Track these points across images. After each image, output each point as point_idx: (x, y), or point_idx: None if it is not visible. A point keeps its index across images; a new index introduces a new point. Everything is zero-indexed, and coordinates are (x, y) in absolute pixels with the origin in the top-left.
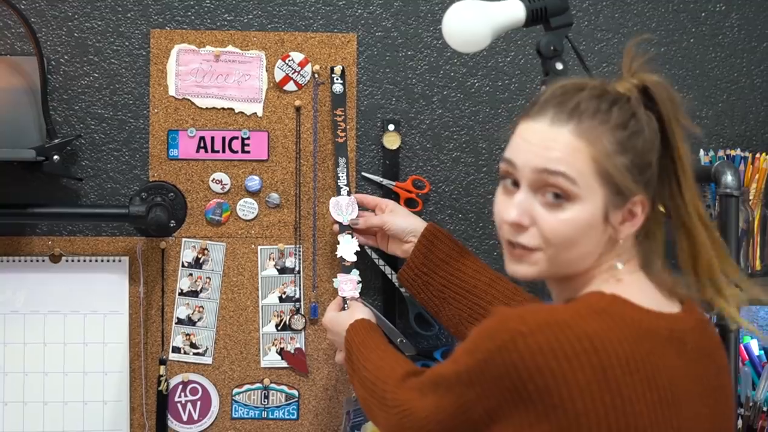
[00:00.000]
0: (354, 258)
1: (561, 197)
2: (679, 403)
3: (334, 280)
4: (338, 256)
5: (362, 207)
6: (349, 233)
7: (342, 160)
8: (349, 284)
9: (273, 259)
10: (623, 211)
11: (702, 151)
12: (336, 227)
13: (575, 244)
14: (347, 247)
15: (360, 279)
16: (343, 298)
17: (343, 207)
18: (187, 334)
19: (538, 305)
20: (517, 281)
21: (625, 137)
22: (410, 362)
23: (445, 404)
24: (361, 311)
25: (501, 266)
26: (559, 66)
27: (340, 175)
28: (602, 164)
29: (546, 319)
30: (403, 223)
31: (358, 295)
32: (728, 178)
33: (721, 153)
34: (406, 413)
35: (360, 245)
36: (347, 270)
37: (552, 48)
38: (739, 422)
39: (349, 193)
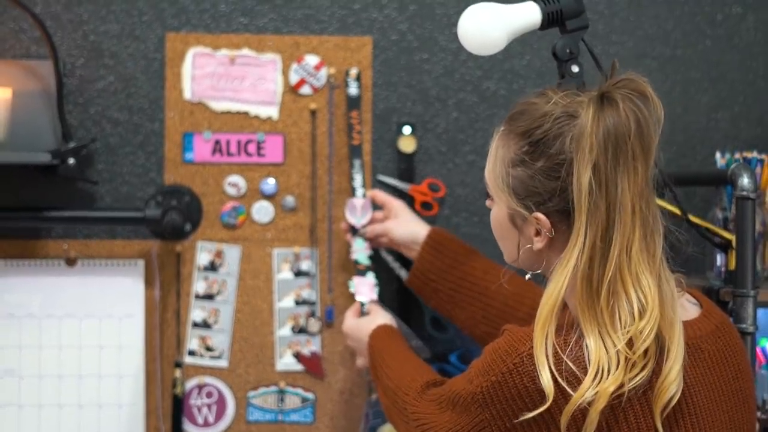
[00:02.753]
0: (368, 261)
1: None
2: (697, 413)
3: (349, 283)
4: (353, 259)
5: (375, 206)
6: (361, 235)
7: (357, 162)
8: (365, 288)
9: (289, 263)
10: (532, 223)
11: (718, 154)
12: (344, 225)
13: (499, 239)
14: (361, 250)
15: (377, 282)
16: (361, 302)
17: (358, 209)
18: (203, 337)
19: None
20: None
21: (524, 150)
22: (431, 370)
23: (462, 423)
24: (382, 317)
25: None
26: (575, 69)
27: (355, 176)
28: (504, 170)
29: (556, 340)
30: (404, 232)
31: (375, 298)
32: (744, 180)
33: (737, 155)
34: (425, 428)
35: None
36: (362, 273)
37: (568, 51)
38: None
39: (364, 195)
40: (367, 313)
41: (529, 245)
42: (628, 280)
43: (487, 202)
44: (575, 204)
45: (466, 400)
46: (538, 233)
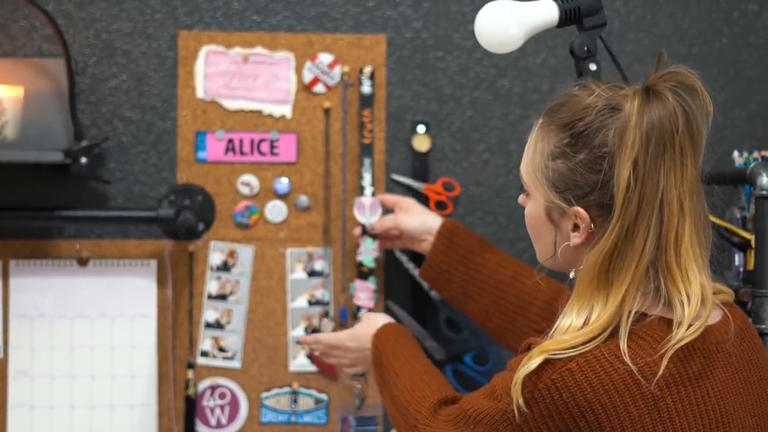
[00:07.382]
0: (373, 264)
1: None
2: (728, 420)
3: (350, 285)
4: (358, 261)
5: (384, 207)
6: (371, 237)
7: (367, 161)
8: (364, 293)
9: (302, 262)
10: (570, 218)
11: (736, 153)
12: (357, 231)
13: (534, 237)
14: (368, 251)
15: (376, 288)
16: (357, 306)
17: (366, 208)
18: (216, 338)
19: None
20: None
21: (564, 142)
22: (444, 382)
23: None
24: (381, 317)
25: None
26: (593, 67)
27: (364, 175)
28: (543, 162)
29: (593, 352)
30: (415, 222)
31: (373, 305)
32: (764, 179)
33: (756, 154)
34: None
35: (385, 249)
36: (364, 277)
37: (585, 48)
38: None
39: (373, 194)
40: (359, 320)
41: (566, 242)
42: (677, 275)
43: (520, 199)
44: (615, 198)
45: (494, 419)
46: (576, 228)
